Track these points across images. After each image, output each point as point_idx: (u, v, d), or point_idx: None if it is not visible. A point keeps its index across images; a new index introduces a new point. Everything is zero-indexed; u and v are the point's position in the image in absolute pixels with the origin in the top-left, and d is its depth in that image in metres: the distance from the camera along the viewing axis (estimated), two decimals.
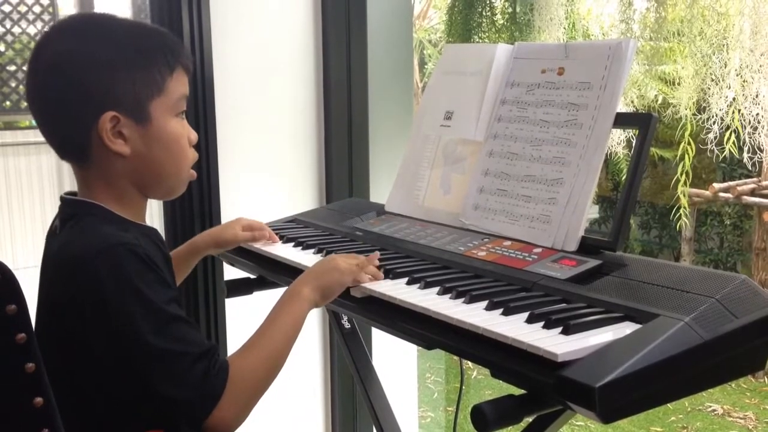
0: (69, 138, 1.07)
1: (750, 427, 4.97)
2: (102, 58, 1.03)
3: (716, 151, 4.77)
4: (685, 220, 5.44)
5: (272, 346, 1.07)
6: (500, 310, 1.00)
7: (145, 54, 1.07)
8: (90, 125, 1.03)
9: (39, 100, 1.07)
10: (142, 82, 1.06)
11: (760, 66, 4.39)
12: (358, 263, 1.18)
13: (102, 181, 1.08)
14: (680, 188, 5.28)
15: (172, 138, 1.10)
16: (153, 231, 1.12)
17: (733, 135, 4.71)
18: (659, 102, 5.63)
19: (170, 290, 1.02)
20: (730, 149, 4.73)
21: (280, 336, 1.08)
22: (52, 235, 1.11)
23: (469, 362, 1.04)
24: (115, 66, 1.04)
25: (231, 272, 1.62)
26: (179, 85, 1.10)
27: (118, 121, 1.04)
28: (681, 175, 5.23)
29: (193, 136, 1.15)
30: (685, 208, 5.41)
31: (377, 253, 1.23)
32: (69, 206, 1.10)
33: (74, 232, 1.04)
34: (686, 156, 5.14)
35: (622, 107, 1.47)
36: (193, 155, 1.16)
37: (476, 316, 0.99)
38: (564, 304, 1.02)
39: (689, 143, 5.06)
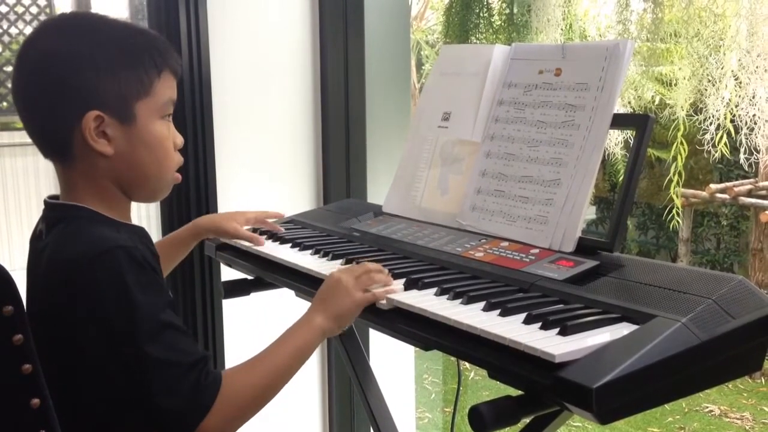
0: (52, 136, 1.06)
1: (747, 427, 4.98)
2: (86, 57, 1.02)
3: (713, 152, 4.78)
4: (678, 220, 5.46)
5: (272, 368, 1.06)
6: (498, 311, 1.00)
7: (132, 54, 1.06)
8: (73, 124, 1.03)
9: (23, 98, 1.06)
10: (128, 82, 1.05)
11: (757, 67, 4.40)
12: (366, 279, 1.13)
13: (85, 181, 1.07)
14: (673, 188, 5.29)
15: (156, 140, 1.09)
16: (141, 230, 1.12)
17: (725, 135, 4.72)
18: (656, 103, 5.64)
19: (165, 295, 1.02)
20: (721, 150, 4.74)
21: (282, 360, 1.07)
22: (37, 240, 1.10)
23: (467, 363, 1.04)
24: (100, 65, 1.03)
25: (228, 273, 1.61)
26: (166, 88, 1.10)
27: (102, 120, 1.03)
28: (674, 175, 5.24)
29: (179, 140, 1.15)
30: (678, 208, 5.42)
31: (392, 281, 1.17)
32: (54, 210, 1.08)
33: (65, 235, 1.03)
34: (679, 156, 5.15)
35: (619, 108, 1.47)
36: (178, 159, 1.15)
37: (474, 317, 0.99)
38: (561, 305, 1.02)
39: (682, 144, 5.07)
